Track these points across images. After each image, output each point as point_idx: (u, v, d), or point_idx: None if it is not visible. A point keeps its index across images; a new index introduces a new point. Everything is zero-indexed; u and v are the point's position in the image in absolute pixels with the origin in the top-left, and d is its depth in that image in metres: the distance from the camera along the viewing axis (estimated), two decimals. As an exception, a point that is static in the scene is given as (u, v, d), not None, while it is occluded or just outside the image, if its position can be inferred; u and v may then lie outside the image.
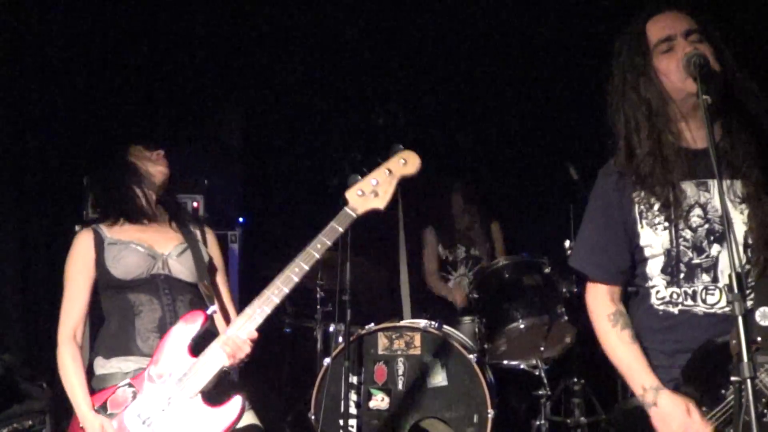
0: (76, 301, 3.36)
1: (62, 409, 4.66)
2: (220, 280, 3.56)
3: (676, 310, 2.61)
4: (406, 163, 3.19)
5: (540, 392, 5.03)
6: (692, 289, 2.59)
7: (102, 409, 3.15)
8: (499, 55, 6.26)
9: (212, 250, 3.55)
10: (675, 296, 2.61)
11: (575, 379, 5.12)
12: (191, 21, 5.99)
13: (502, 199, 6.45)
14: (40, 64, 5.65)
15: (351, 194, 3.18)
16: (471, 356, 4.68)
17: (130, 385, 3.17)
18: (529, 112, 6.30)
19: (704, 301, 2.58)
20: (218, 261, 3.56)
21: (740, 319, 2.14)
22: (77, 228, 5.21)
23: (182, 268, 3.36)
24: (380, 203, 3.17)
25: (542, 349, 4.96)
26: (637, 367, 2.61)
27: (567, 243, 5.04)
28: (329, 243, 3.15)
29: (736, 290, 2.15)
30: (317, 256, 3.13)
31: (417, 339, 4.72)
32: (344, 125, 6.28)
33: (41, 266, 5.58)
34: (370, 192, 3.16)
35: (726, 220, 2.27)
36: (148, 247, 3.35)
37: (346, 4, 6.13)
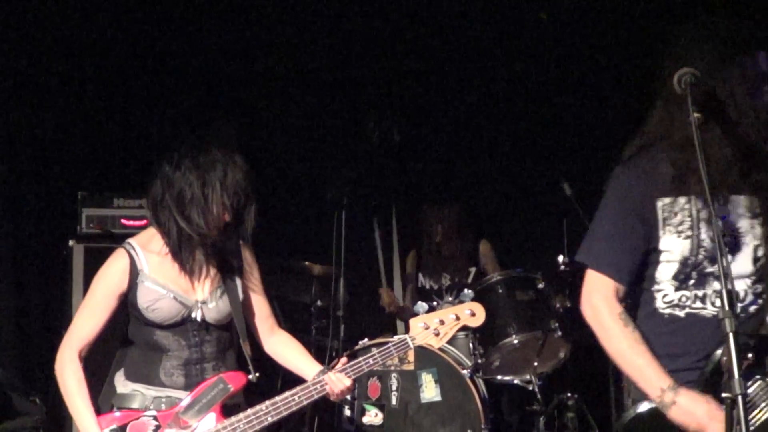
0: (93, 319, 3.22)
1: (56, 425, 4.67)
2: (257, 297, 3.43)
3: (682, 314, 2.60)
4: (473, 314, 3.34)
5: (534, 407, 5.03)
6: (702, 292, 2.59)
7: (120, 430, 3.14)
8: (495, 71, 6.28)
9: (249, 270, 3.40)
10: (684, 299, 2.60)
11: (569, 394, 5.13)
12: (184, 33, 5.99)
13: (495, 214, 6.44)
14: (35, 79, 5.67)
15: (414, 324, 3.32)
16: (464, 371, 4.69)
17: (155, 418, 3.16)
18: (524, 128, 6.32)
19: (713, 304, 2.58)
20: (255, 281, 3.42)
21: (731, 336, 2.16)
22: (71, 243, 5.29)
23: (217, 316, 3.27)
24: (437, 343, 3.36)
25: (536, 364, 4.97)
26: (652, 370, 2.54)
27: (560, 258, 5.05)
28: (379, 358, 3.30)
29: (727, 307, 2.17)
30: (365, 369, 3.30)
31: (410, 354, 4.72)
32: (339, 140, 6.29)
33: (35, 281, 5.59)
34: (433, 330, 3.30)
35: (718, 238, 2.28)
36: (183, 295, 3.22)
37: (343, 19, 6.15)
